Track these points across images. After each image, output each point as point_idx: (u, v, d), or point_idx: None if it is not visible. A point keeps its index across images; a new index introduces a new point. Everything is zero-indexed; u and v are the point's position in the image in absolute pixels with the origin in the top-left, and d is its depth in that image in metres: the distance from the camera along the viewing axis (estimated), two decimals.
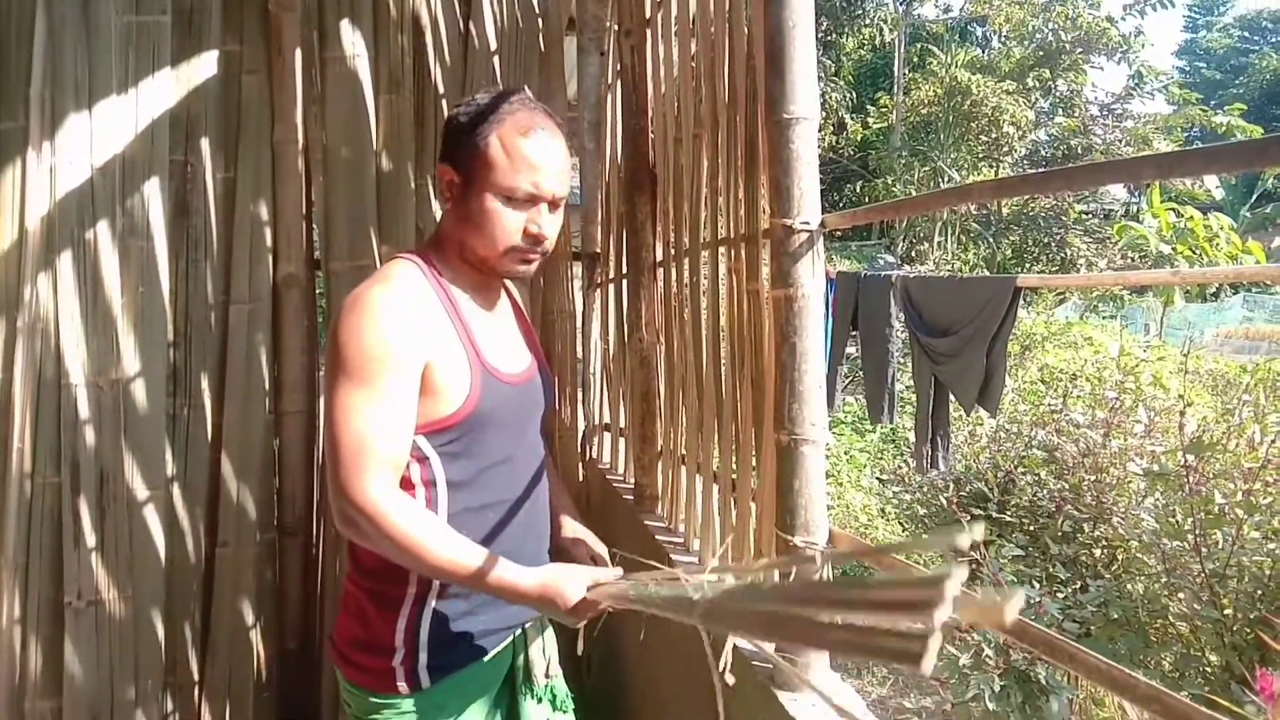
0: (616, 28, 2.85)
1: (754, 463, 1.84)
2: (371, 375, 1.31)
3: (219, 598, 2.82)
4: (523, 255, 1.44)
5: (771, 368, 1.67)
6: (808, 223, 1.41)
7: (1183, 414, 3.27)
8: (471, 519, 1.42)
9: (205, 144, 2.84)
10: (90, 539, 2.57)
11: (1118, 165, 0.79)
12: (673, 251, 2.29)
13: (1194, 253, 14.77)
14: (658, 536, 2.31)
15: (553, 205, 1.45)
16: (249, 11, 2.89)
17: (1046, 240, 16.43)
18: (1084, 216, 18.11)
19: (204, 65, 2.85)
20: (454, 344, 1.41)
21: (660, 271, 2.43)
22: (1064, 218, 16.88)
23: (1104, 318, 20.15)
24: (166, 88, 2.77)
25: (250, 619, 2.86)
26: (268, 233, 2.91)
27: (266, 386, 2.91)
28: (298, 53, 2.87)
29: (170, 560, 2.74)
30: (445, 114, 3.01)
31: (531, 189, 1.40)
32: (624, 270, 2.84)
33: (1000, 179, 1.03)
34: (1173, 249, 14.09)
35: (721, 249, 1.95)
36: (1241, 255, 14.66)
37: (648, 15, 2.44)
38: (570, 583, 1.32)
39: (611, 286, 3.02)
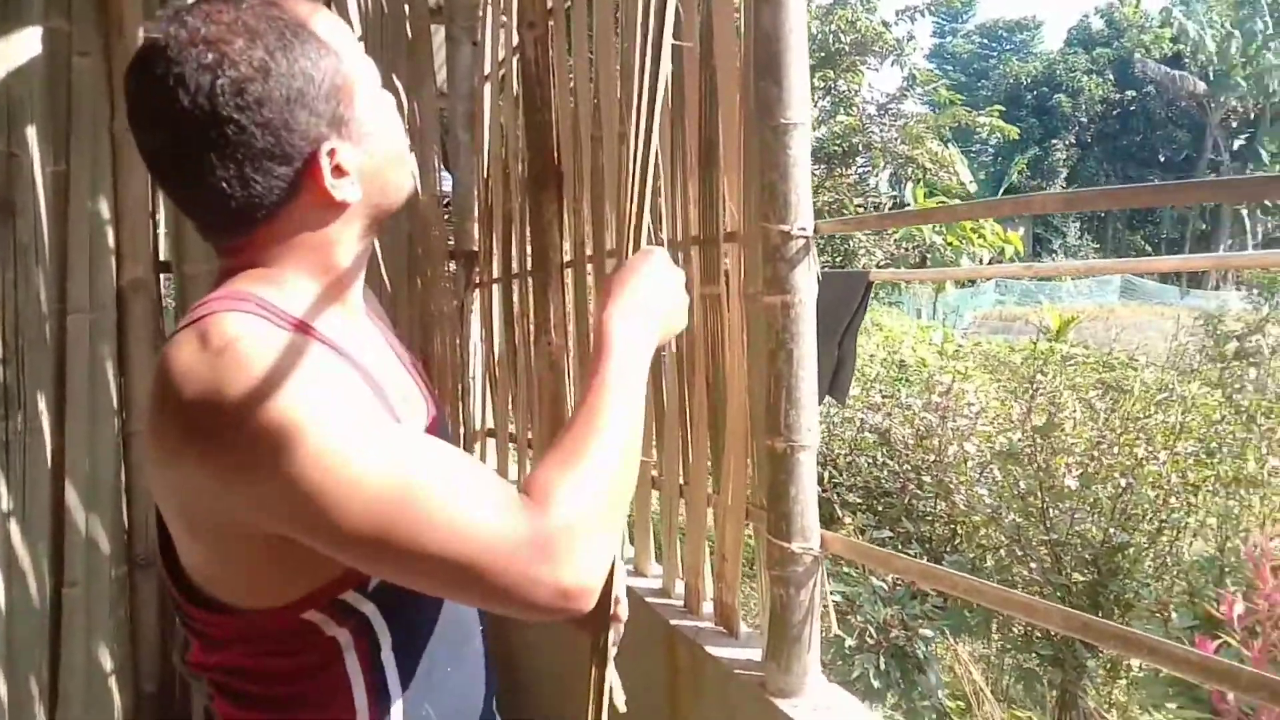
0: (506, 18, 2.75)
1: (708, 469, 1.82)
2: (343, 419, 0.79)
3: (69, 643, 2.51)
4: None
5: (735, 373, 1.66)
6: (804, 229, 1.41)
7: (1026, 396, 3.55)
8: (421, 659, 0.98)
9: (31, 133, 2.51)
10: None
11: (986, 204, 0.84)
12: (589, 252, 2.24)
13: (961, 242, 16.13)
14: None
15: None
16: None
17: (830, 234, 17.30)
18: (859, 209, 19.26)
19: (25, 44, 2.51)
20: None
21: (570, 272, 2.37)
22: (844, 211, 17.90)
23: (884, 304, 21.57)
24: None
25: (107, 664, 2.56)
26: (109, 232, 2.61)
27: (114, 404, 2.61)
28: (141, 31, 2.58)
29: (10, 607, 2.41)
30: None
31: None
32: (514, 270, 2.75)
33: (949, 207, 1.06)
34: (944, 239, 15.31)
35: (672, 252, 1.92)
36: (1002, 243, 16.14)
37: (550, 5, 2.36)
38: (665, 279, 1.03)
39: (496, 287, 2.91)
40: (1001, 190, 28.11)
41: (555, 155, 2.35)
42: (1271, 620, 1.76)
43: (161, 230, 2.81)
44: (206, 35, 0.84)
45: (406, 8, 2.93)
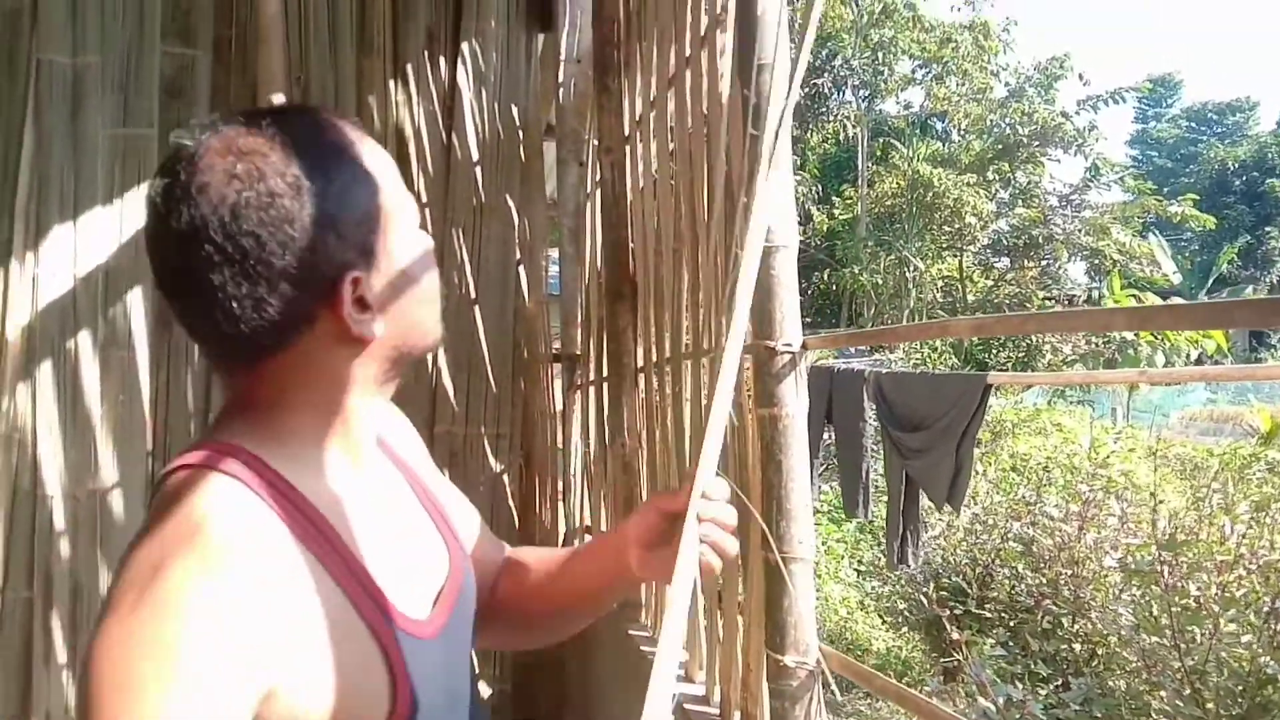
0: (596, 142, 2.95)
1: (740, 577, 1.85)
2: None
3: None
4: None
5: (757, 484, 1.70)
6: (789, 345, 1.46)
7: (1154, 509, 3.33)
8: None
9: None
10: (61, 655, 2.52)
11: (1089, 314, 0.84)
12: (654, 359, 2.34)
13: (1156, 338, 15.13)
14: (642, 647, 2.30)
15: None
16: None
17: None
18: (1047, 303, 18.47)
19: None
20: (339, 618, 0.82)
21: (641, 378, 2.47)
22: (1028, 305, 17.23)
23: (1071, 403, 20.40)
24: None
25: None
26: None
27: None
28: (171, 138, 2.92)
29: None
30: (429, 223, 3.09)
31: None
32: (604, 374, 2.88)
33: (978, 319, 1.08)
34: (1136, 335, 14.42)
35: (704, 360, 1.99)
36: (1201, 340, 15.03)
37: (626, 133, 2.53)
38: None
39: (592, 389, 3.05)
40: (1210, 281, 26.22)
41: (630, 268, 2.48)
42: None
43: None
44: (241, 146, 0.80)
45: (520, 133, 3.19)
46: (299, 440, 0.86)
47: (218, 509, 0.78)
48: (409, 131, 3.12)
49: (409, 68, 3.14)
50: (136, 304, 2.73)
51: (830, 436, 5.20)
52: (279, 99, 2.83)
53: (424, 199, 3.13)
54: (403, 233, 0.88)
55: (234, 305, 0.80)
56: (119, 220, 2.75)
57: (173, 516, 0.78)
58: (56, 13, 2.69)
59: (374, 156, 0.88)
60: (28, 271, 2.63)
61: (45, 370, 2.61)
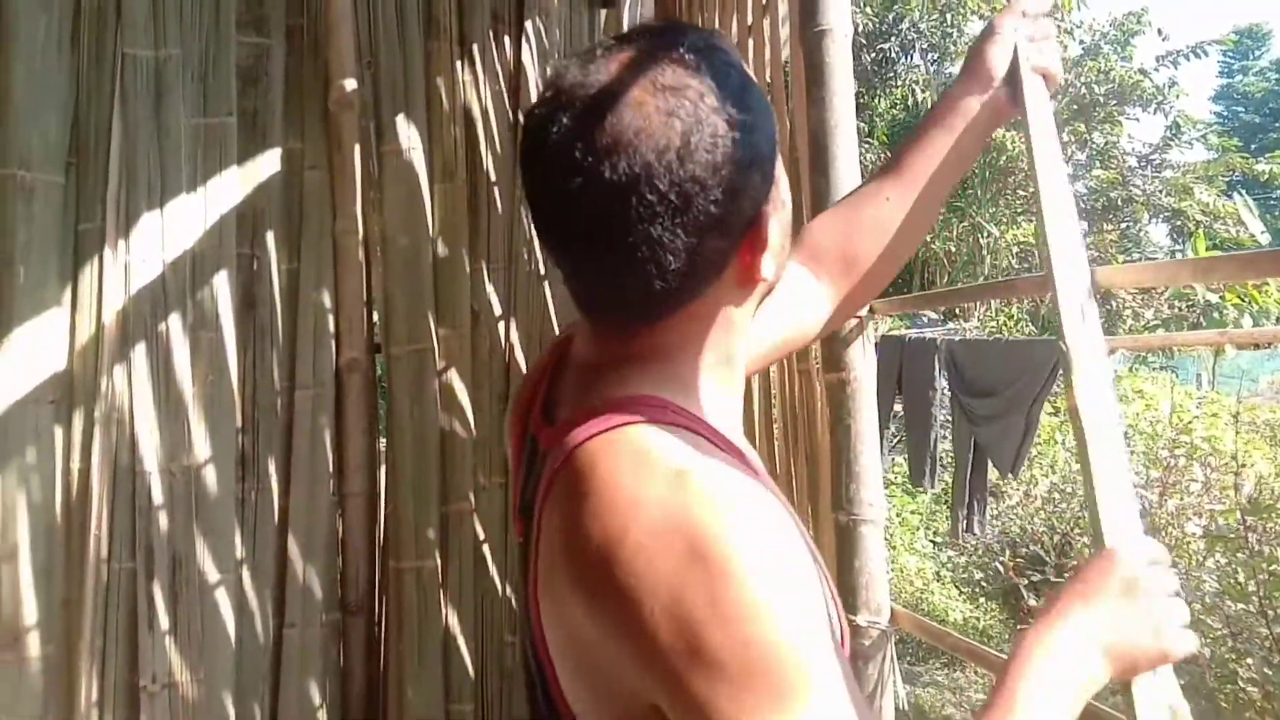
0: None
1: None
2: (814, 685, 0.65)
3: (286, 678, 2.88)
4: None
5: (827, 447, 1.72)
6: None
7: (1237, 474, 3.25)
8: None
9: (270, 238, 2.97)
10: (164, 623, 2.66)
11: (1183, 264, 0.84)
12: None
13: (1243, 300, 14.57)
14: None
15: None
16: (309, 110, 3.04)
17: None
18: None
19: (268, 163, 2.99)
20: (806, 548, 0.79)
21: None
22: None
23: (1154, 369, 19.83)
24: (233, 185, 2.91)
25: (317, 699, 2.91)
26: (330, 320, 3.02)
27: (330, 469, 2.99)
28: (356, 148, 3.01)
29: (240, 642, 2.81)
30: (498, 200, 3.14)
31: None
32: None
33: (1037, 276, 1.08)
34: (1220, 297, 13.91)
35: None
36: None
37: None
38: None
39: None
40: None
41: None
42: None
43: (375, 317, 3.20)
44: (669, 82, 0.72)
45: None
46: (705, 395, 0.82)
47: (691, 454, 0.72)
48: (476, 111, 3.18)
49: (475, 48, 3.19)
50: (222, 287, 2.84)
51: (900, 408, 5.16)
52: (350, 84, 2.91)
53: (493, 177, 3.19)
54: (780, 165, 0.82)
55: (668, 257, 0.73)
56: (203, 206, 2.85)
57: (637, 476, 0.70)
58: (140, 8, 2.80)
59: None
60: (120, 259, 2.75)
61: (140, 353, 2.74)
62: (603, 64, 0.72)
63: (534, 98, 3.16)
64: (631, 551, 0.66)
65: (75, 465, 2.65)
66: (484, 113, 3.19)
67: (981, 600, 5.38)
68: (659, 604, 0.64)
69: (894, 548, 6.69)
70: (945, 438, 4.93)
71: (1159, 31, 15.60)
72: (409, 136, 3.04)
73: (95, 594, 2.62)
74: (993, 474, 4.58)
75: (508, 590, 3.12)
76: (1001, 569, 4.27)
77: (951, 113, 1.12)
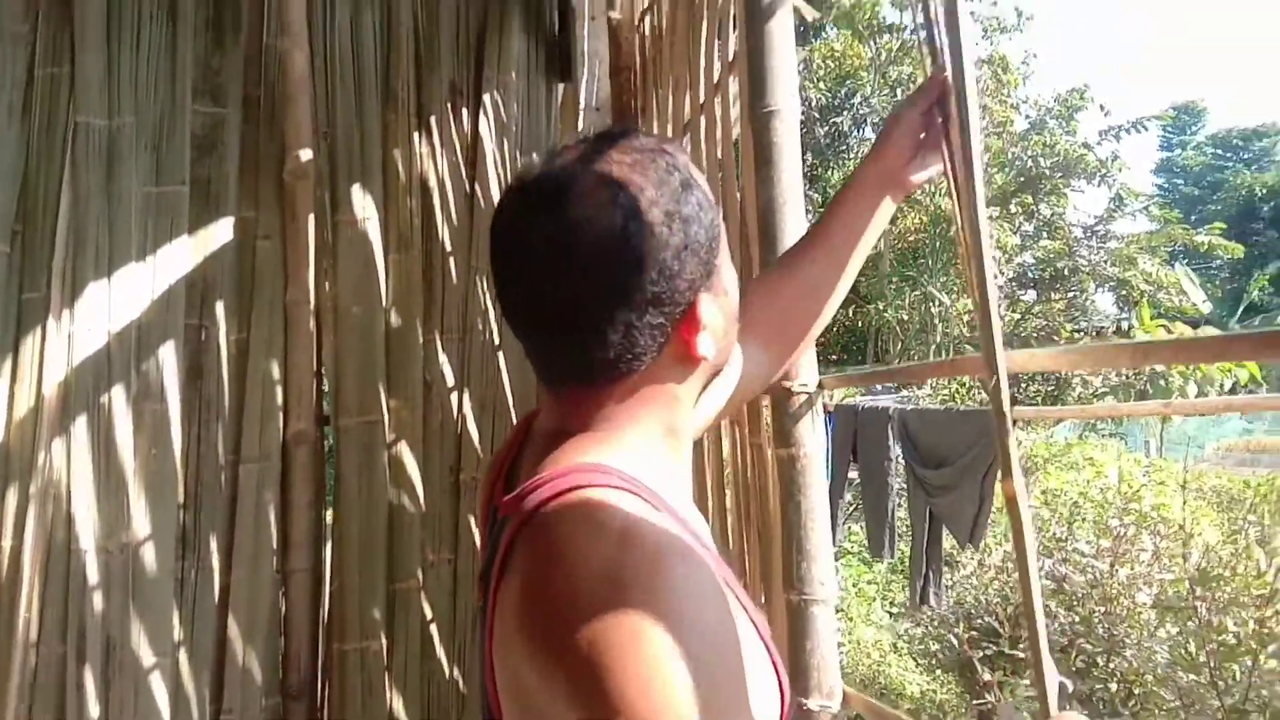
0: None
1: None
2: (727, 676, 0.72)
3: None
4: None
5: (778, 522, 1.70)
6: (805, 385, 1.47)
7: (1185, 543, 3.28)
8: None
9: (220, 307, 2.93)
10: (94, 711, 2.54)
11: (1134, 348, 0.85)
12: None
13: (1188, 368, 14.91)
14: None
15: None
16: (264, 179, 3.02)
17: None
18: (1076, 335, 18.32)
19: (220, 232, 2.96)
20: (741, 616, 0.81)
21: None
22: (1056, 337, 17.09)
23: (1103, 436, 20.13)
24: (184, 255, 2.87)
25: None
26: (279, 391, 2.97)
27: (274, 545, 2.91)
28: (311, 217, 2.99)
29: None
30: (453, 270, 3.13)
31: None
32: None
33: (973, 357, 1.09)
34: (1166, 366, 14.22)
35: None
36: (1235, 370, 14.81)
37: None
38: None
39: None
40: (1241, 309, 25.90)
41: None
42: None
43: (326, 388, 3.15)
44: (615, 176, 0.82)
45: None
46: (650, 460, 0.88)
47: (636, 517, 0.76)
48: (433, 182, 3.18)
49: (432, 120, 3.20)
50: (169, 358, 2.78)
51: (857, 475, 5.18)
52: (306, 154, 2.90)
53: (448, 248, 3.18)
54: (726, 250, 0.92)
55: (608, 333, 0.82)
56: (152, 275, 2.81)
57: (587, 534, 0.74)
58: (94, 76, 2.78)
59: (701, 177, 0.90)
60: (64, 329, 2.69)
61: (80, 425, 2.66)
62: (560, 160, 0.84)
63: (490, 170, 3.20)
64: (569, 603, 0.71)
65: (6, 544, 2.55)
66: (440, 184, 3.20)
67: (938, 672, 5.35)
68: (581, 651, 0.68)
69: (851, 619, 6.64)
70: (902, 505, 4.94)
71: (1101, 107, 16.19)
72: (364, 206, 3.03)
73: (21, 681, 2.50)
74: (948, 542, 4.59)
75: (455, 673, 3.03)
76: (956, 641, 4.25)
77: (864, 180, 1.26)
